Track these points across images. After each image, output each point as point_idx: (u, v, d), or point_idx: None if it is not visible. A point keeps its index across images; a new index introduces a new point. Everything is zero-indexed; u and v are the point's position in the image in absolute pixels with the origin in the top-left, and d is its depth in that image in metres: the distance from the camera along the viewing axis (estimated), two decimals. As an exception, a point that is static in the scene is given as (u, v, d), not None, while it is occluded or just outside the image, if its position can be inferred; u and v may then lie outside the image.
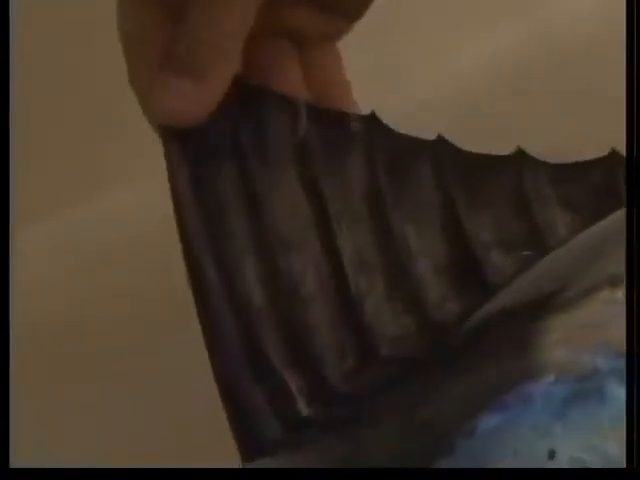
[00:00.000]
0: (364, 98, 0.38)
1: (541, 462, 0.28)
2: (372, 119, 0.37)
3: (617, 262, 0.32)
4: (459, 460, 0.29)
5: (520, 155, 0.38)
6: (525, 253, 0.36)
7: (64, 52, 0.50)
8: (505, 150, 0.38)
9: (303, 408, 0.33)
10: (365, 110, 0.38)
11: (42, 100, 0.51)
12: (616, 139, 0.37)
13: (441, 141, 0.38)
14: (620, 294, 0.31)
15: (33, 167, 0.50)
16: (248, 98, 0.37)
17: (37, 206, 0.51)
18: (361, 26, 0.40)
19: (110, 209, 0.53)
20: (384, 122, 0.37)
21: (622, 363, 0.29)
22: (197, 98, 0.36)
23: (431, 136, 0.37)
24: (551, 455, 0.28)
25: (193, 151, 0.36)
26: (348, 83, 0.40)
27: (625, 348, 0.29)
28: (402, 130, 0.38)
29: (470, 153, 0.38)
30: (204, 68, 0.36)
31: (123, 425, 0.45)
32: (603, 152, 0.38)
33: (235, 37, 0.36)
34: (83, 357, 0.48)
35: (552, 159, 0.38)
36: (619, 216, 0.35)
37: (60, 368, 0.47)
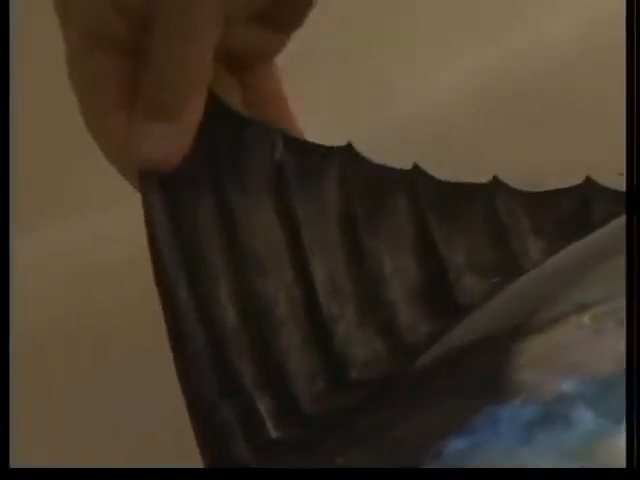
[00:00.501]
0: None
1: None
2: (348, 149, 0.38)
3: (583, 289, 0.33)
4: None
5: (495, 183, 0.38)
6: (494, 280, 0.36)
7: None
8: (482, 171, 0.38)
9: (272, 430, 0.34)
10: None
11: (42, 100, 0.51)
12: (591, 166, 0.38)
13: (416, 170, 0.38)
14: (586, 319, 0.31)
15: (33, 177, 0.50)
16: (224, 122, 0.37)
17: (36, 217, 0.52)
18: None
19: (107, 222, 0.53)
20: (360, 152, 0.38)
21: (588, 388, 0.29)
22: (176, 139, 0.35)
23: (408, 160, 0.38)
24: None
25: (167, 174, 0.35)
26: (286, 100, 0.40)
27: (593, 372, 0.30)
28: (382, 147, 0.38)
29: (445, 182, 0.38)
30: (178, 108, 0.35)
31: (123, 425, 0.45)
32: (578, 179, 0.39)
33: (203, 70, 0.35)
34: (82, 357, 0.48)
35: (528, 185, 0.38)
36: (585, 243, 0.36)
37: (60, 368, 0.48)
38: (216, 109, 0.36)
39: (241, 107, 0.38)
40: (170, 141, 0.35)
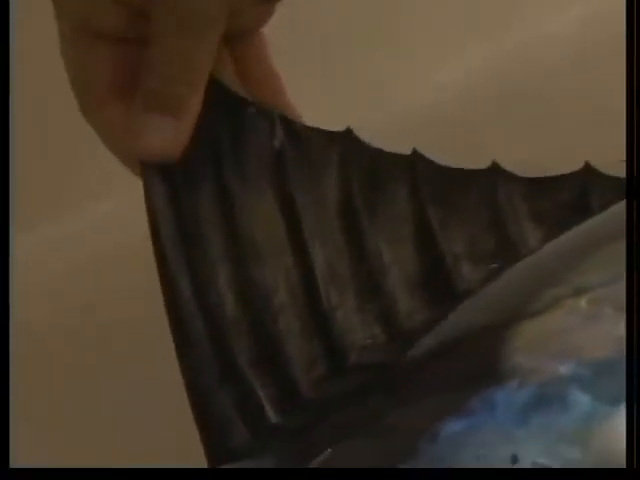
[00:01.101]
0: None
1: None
2: (348, 135, 0.38)
3: (581, 273, 0.33)
4: (422, 465, 0.29)
5: (495, 169, 0.38)
6: (492, 266, 0.36)
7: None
8: (482, 162, 0.38)
9: (272, 415, 0.34)
10: (343, 121, 0.38)
11: (41, 101, 0.52)
12: (591, 153, 0.38)
13: (416, 155, 0.38)
14: (583, 303, 0.31)
15: (32, 172, 0.50)
16: (225, 109, 0.37)
17: (35, 211, 0.52)
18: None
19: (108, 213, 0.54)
20: (360, 137, 0.37)
21: (584, 370, 0.29)
22: (177, 133, 0.35)
23: (407, 150, 0.38)
24: (514, 460, 0.28)
25: (169, 163, 0.36)
26: (277, 74, 0.39)
27: (589, 355, 0.30)
28: (382, 142, 0.38)
29: (445, 167, 0.38)
30: (182, 103, 0.35)
31: (124, 424, 0.45)
32: (577, 166, 0.39)
33: (208, 65, 0.35)
34: (84, 354, 0.48)
35: (527, 172, 0.38)
36: (584, 227, 0.36)
37: (60, 367, 0.48)
38: (215, 92, 0.36)
39: (236, 82, 0.38)
40: (172, 135, 0.35)
